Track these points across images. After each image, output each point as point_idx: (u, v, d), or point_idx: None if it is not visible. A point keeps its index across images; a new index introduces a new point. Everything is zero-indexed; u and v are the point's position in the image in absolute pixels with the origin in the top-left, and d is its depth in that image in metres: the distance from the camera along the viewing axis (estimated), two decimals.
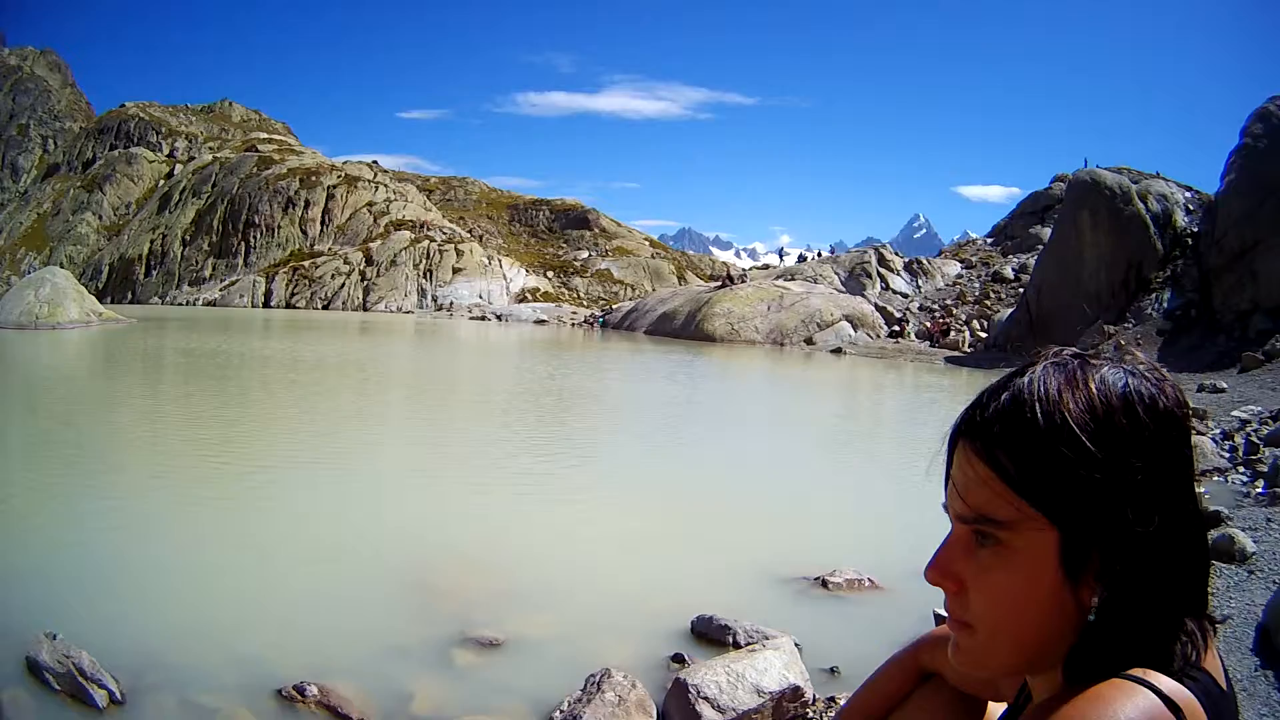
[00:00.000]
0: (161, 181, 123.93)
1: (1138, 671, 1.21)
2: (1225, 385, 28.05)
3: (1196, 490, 1.30)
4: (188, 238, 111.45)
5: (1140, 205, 44.45)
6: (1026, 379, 1.31)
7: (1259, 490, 13.38)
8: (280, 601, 7.50)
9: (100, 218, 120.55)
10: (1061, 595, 1.26)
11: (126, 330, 46.63)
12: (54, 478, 12.02)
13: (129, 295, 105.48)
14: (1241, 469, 15.60)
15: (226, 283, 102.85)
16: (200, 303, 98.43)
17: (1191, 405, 16.42)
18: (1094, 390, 1.26)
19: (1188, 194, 47.36)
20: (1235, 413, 22.39)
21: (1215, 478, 15.09)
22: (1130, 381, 1.28)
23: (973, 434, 1.32)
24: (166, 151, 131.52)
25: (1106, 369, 1.30)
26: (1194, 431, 1.32)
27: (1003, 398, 1.31)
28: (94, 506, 10.44)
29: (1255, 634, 6.79)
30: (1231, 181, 39.13)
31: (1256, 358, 30.79)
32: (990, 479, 1.27)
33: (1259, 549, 9.04)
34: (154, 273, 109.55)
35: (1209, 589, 1.31)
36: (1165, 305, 40.86)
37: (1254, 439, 17.82)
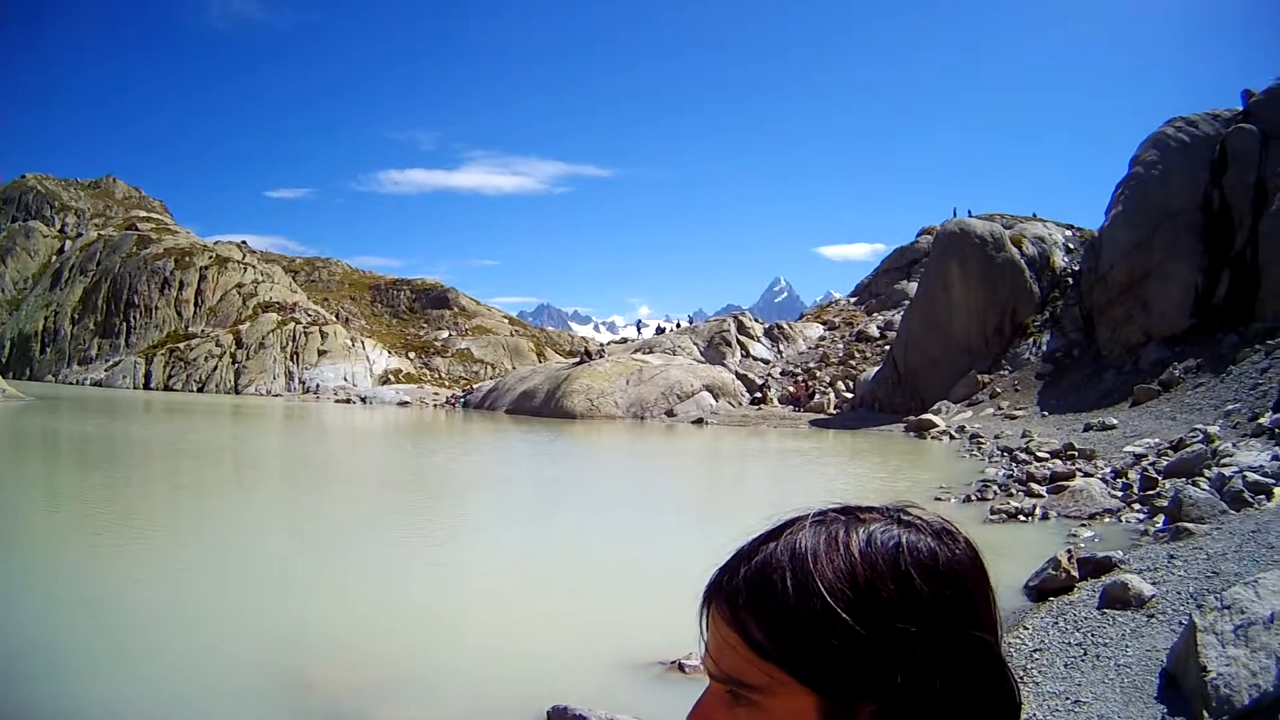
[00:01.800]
0: (54, 257, 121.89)
1: None
2: (1115, 421, 27.94)
3: (999, 639, 1.19)
4: (76, 316, 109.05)
5: (1014, 250, 44.39)
6: (782, 541, 1.20)
7: (1158, 527, 12.88)
8: (152, 695, 7.53)
9: (2, 291, 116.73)
10: None
11: (25, 409, 47.94)
12: None
13: (27, 371, 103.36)
14: (1137, 506, 15.26)
15: (110, 363, 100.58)
16: (88, 382, 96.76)
17: (1078, 447, 18.85)
18: (856, 554, 1.15)
19: (1068, 233, 47.89)
20: (1128, 448, 22.04)
21: (1107, 519, 14.87)
22: (905, 539, 1.16)
23: (720, 598, 1.22)
24: (59, 226, 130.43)
25: (876, 526, 1.18)
26: (990, 584, 1.19)
27: (753, 562, 1.20)
28: None
29: (1159, 681, 6.29)
30: (1118, 214, 39.05)
31: (1151, 389, 30.68)
32: (739, 645, 1.16)
33: (1159, 590, 8.44)
34: (48, 350, 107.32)
35: None
36: (1045, 348, 40.54)
37: (1151, 473, 17.50)
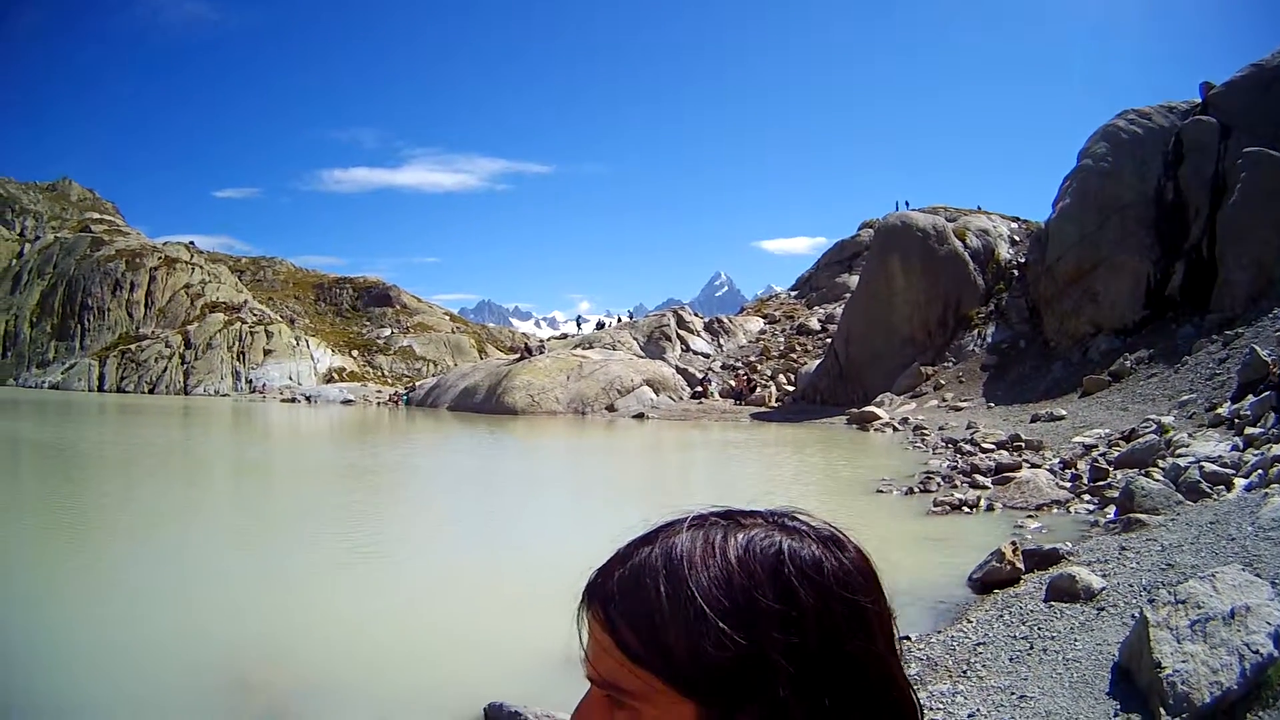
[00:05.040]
0: (14, 260, 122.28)
1: None
2: (1064, 412, 28.04)
3: (895, 651, 1.16)
4: (34, 319, 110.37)
5: (957, 243, 44.67)
6: (658, 544, 1.18)
7: (1109, 518, 12.74)
8: (92, 701, 7.57)
9: None
10: None
11: None
12: None
13: None
14: (1086, 497, 15.18)
15: (66, 365, 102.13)
16: (46, 385, 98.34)
17: (1025, 438, 18.83)
18: (733, 560, 1.12)
19: (1013, 225, 48.21)
20: (1077, 439, 21.96)
21: (1054, 510, 14.76)
22: (787, 545, 1.14)
23: (595, 601, 1.20)
24: (19, 230, 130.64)
25: (758, 531, 1.15)
26: (883, 594, 1.17)
27: (628, 565, 1.19)
28: None
29: (1111, 676, 6.06)
30: (1065, 207, 39.34)
31: (1101, 380, 30.88)
32: (613, 649, 1.15)
33: (1109, 583, 8.22)
34: (9, 354, 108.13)
35: None
36: (990, 340, 40.80)
37: (1101, 463, 17.32)
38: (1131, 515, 11.43)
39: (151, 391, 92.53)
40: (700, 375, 55.47)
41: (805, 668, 1.06)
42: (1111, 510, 13.06)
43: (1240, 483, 12.41)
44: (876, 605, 1.13)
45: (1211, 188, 34.14)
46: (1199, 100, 37.70)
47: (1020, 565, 9.68)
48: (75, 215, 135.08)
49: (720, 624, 1.06)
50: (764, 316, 68.21)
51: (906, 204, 53.16)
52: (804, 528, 1.16)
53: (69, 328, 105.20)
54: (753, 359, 57.85)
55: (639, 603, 1.12)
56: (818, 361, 49.92)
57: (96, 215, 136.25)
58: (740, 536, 1.13)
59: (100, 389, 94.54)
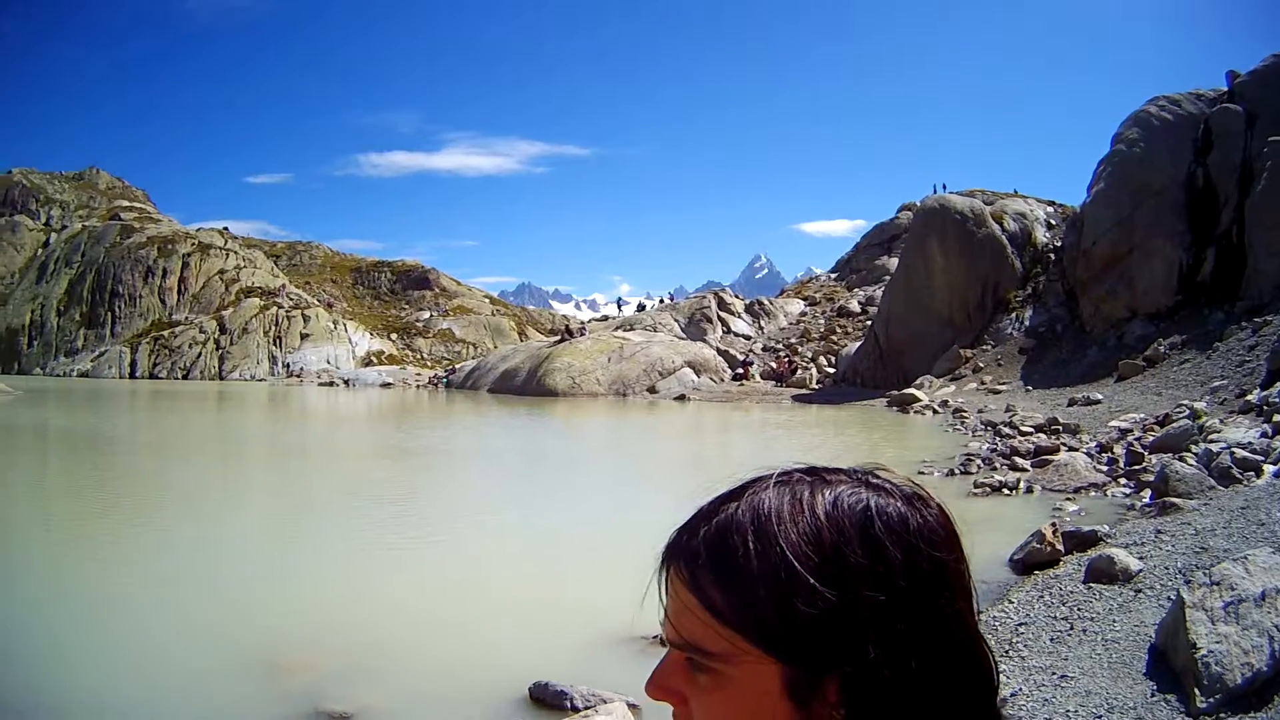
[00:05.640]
0: (39, 250, 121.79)
1: None
2: (1100, 396, 27.95)
3: (974, 610, 1.15)
4: (62, 308, 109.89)
5: (995, 226, 44.42)
6: (744, 501, 1.15)
7: (1144, 501, 12.82)
8: (133, 682, 7.55)
9: None
10: None
11: (13, 403, 47.05)
12: None
13: (15, 365, 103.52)
14: (1123, 480, 15.19)
15: (96, 353, 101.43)
16: (75, 374, 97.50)
17: (1062, 421, 18.73)
18: (822, 515, 1.10)
19: (1049, 209, 47.97)
20: (1113, 423, 21.87)
21: (1092, 493, 14.81)
22: (874, 502, 1.12)
23: (679, 560, 1.18)
24: (44, 220, 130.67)
25: (844, 488, 1.14)
26: (963, 552, 1.15)
27: (714, 522, 1.16)
28: None
29: (1148, 657, 6.14)
30: (1100, 190, 39.12)
31: (1136, 364, 30.72)
32: (697, 609, 1.13)
33: (1146, 565, 8.28)
34: (35, 343, 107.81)
35: (995, 711, 1.15)
36: (1027, 323, 40.65)
37: (1137, 448, 17.32)
38: (1166, 499, 11.45)
39: (185, 377, 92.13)
40: (741, 357, 55.26)
41: (894, 626, 1.05)
42: (1147, 494, 13.08)
43: (1269, 469, 12.42)
44: (958, 562, 1.13)
45: (1239, 175, 33.96)
46: (1225, 89, 37.39)
47: (1060, 547, 9.77)
48: (104, 204, 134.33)
49: (811, 580, 1.05)
50: (804, 298, 67.97)
51: (944, 187, 53.00)
52: (888, 485, 1.15)
53: (98, 315, 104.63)
54: (793, 341, 57.59)
55: (726, 560, 1.11)
56: (858, 344, 49.63)
57: (126, 203, 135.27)
58: (827, 493, 1.12)
59: (132, 375, 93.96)
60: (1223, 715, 5.13)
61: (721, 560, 1.11)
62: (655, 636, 8.07)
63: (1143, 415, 22.16)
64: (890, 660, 1.03)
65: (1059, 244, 42.97)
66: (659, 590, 1.22)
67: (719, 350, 56.66)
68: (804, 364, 52.30)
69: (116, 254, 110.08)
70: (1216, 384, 23.95)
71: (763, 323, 63.60)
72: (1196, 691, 5.29)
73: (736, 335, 61.60)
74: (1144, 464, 15.56)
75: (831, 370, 50.06)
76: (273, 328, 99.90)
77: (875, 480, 1.14)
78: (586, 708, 6.53)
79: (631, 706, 6.58)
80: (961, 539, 1.15)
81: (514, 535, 14.45)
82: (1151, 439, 18.13)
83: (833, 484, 1.13)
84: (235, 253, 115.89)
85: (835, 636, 1.04)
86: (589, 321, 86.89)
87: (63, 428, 34.22)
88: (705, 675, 1.13)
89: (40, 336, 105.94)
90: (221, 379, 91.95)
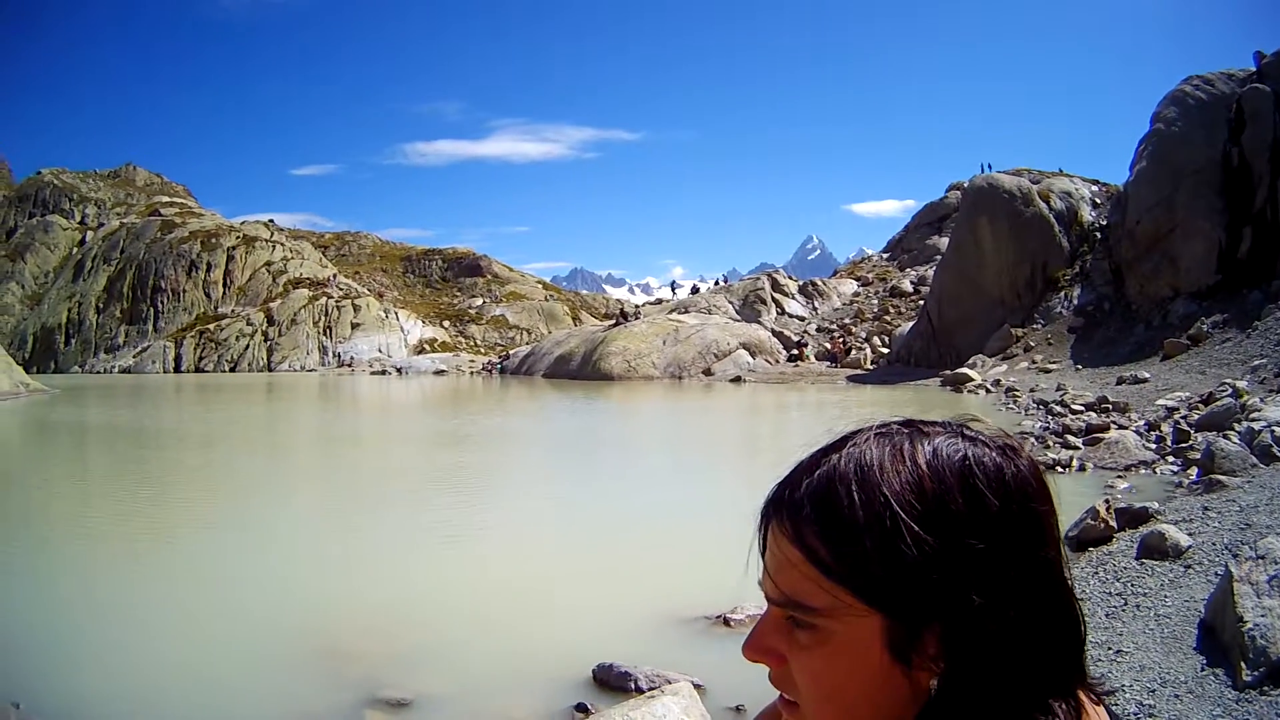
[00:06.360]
0: (75, 249, 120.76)
1: None
2: (1147, 375, 28.03)
3: (1063, 558, 1.14)
4: (101, 305, 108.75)
5: (1042, 205, 44.25)
6: (845, 453, 1.15)
7: (1192, 479, 12.95)
8: (193, 671, 7.65)
9: (23, 287, 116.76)
10: (892, 678, 1.11)
11: (51, 401, 46.29)
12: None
13: (52, 365, 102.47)
14: (1171, 459, 15.39)
15: (139, 349, 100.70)
16: (116, 370, 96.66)
17: (1111, 400, 18.96)
18: (923, 465, 1.10)
19: (1094, 188, 47.30)
20: (1160, 401, 22.11)
21: (1142, 471, 15.01)
22: (971, 452, 1.12)
23: (782, 513, 1.16)
24: (78, 219, 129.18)
25: (941, 439, 1.14)
26: (1054, 504, 1.14)
27: (816, 474, 1.15)
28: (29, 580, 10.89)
29: (1198, 631, 6.29)
30: (1142, 169, 39.00)
31: (1181, 343, 30.67)
32: (801, 562, 1.12)
33: (1195, 541, 8.50)
34: (73, 341, 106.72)
35: (1084, 663, 1.16)
36: (1076, 301, 40.56)
37: (1184, 426, 17.57)
38: (1212, 476, 11.64)
39: (233, 370, 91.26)
40: (796, 338, 55.10)
41: (994, 574, 1.06)
42: (1194, 471, 13.16)
43: None
44: (1050, 514, 1.13)
45: (1271, 154, 33.85)
46: (1254, 69, 37.18)
47: (1113, 523, 9.96)
48: (142, 200, 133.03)
49: (916, 527, 1.05)
50: (857, 279, 67.61)
51: (990, 166, 52.58)
52: (983, 436, 1.15)
53: (140, 311, 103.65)
54: (847, 321, 57.33)
55: (830, 511, 1.10)
56: (911, 323, 49.56)
57: (166, 198, 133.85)
58: (926, 444, 1.12)
59: (177, 370, 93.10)
60: (1267, 688, 5.22)
61: (826, 512, 1.11)
62: (719, 616, 8.34)
63: (1188, 394, 22.27)
64: (991, 609, 1.05)
65: (1104, 222, 42.77)
66: (759, 546, 1.21)
67: (773, 332, 56.47)
68: (858, 344, 52.13)
69: (158, 249, 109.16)
70: (1256, 363, 24.14)
71: (816, 303, 63.32)
72: (1242, 665, 5.40)
73: (790, 316, 61.40)
74: (1190, 442, 15.71)
75: (885, 350, 49.93)
76: (322, 318, 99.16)
77: (970, 432, 1.16)
78: (651, 688, 6.43)
79: (696, 686, 6.47)
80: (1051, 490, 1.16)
81: (574, 518, 14.50)
82: (1197, 417, 18.27)
83: (931, 435, 1.14)
84: (282, 244, 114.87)
85: (937, 586, 1.05)
86: (643, 305, 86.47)
87: (105, 424, 34.12)
88: (805, 632, 1.13)
89: (78, 334, 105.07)
90: (270, 370, 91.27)
